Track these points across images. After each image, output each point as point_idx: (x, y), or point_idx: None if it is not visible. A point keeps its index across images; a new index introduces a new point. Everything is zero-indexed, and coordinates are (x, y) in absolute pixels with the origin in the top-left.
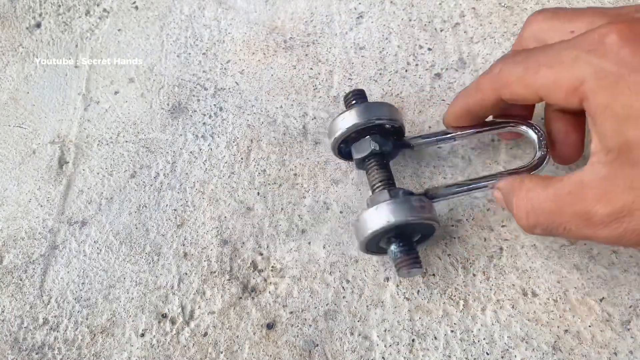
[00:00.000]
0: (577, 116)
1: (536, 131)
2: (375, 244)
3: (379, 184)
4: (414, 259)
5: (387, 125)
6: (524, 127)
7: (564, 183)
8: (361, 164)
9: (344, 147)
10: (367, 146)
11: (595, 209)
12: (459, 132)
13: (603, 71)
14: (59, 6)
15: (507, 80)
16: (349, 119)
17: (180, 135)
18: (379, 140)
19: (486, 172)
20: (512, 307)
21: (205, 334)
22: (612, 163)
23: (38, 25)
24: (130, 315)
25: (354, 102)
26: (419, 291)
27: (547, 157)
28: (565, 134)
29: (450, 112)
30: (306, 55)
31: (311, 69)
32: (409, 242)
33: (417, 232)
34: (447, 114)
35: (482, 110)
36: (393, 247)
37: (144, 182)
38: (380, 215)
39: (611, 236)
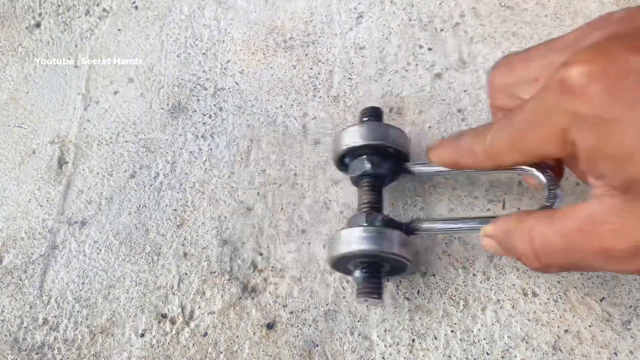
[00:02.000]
0: None
1: (547, 176)
2: (344, 265)
3: (364, 205)
4: (373, 289)
5: (390, 149)
6: (535, 173)
7: (571, 219)
8: (356, 182)
9: (348, 161)
10: (361, 166)
11: (614, 245)
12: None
13: (580, 115)
14: (59, 6)
15: (499, 151)
16: (351, 135)
17: (180, 135)
18: (375, 162)
19: (485, 213)
20: (512, 307)
21: (205, 334)
22: (621, 197)
23: (38, 25)
24: (130, 316)
25: (365, 119)
26: (419, 291)
27: (556, 201)
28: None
29: (437, 157)
30: (306, 55)
31: (311, 69)
32: (375, 271)
33: (386, 264)
34: (432, 156)
35: (477, 169)
36: (357, 273)
37: (143, 182)
38: (351, 240)
39: (634, 269)
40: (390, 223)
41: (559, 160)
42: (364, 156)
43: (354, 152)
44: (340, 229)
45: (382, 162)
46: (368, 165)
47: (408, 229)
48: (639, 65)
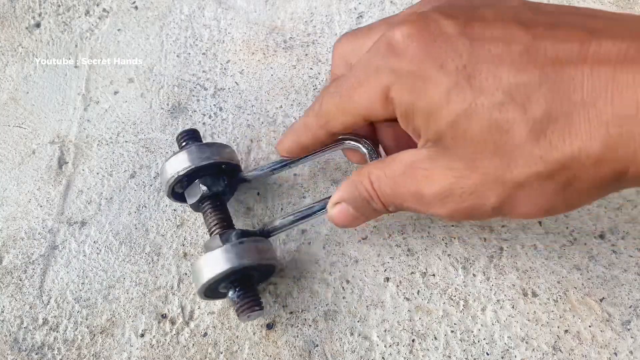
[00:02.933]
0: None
1: (365, 145)
2: (215, 291)
3: (214, 227)
4: (252, 302)
5: (220, 164)
6: (353, 143)
7: (397, 163)
8: (197, 207)
9: (181, 190)
10: (197, 190)
11: (426, 190)
12: (293, 161)
13: (401, 72)
14: (59, 6)
15: (329, 114)
16: (176, 163)
17: None
18: (209, 182)
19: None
20: (512, 307)
21: (205, 334)
22: (434, 148)
23: (38, 25)
24: (130, 316)
25: (184, 144)
26: (419, 291)
27: None
28: (394, 140)
29: (282, 147)
30: (306, 55)
31: (311, 68)
32: (247, 285)
33: (255, 273)
34: (279, 148)
35: (315, 145)
36: (230, 294)
37: (143, 182)
38: (214, 264)
39: (444, 214)
40: (246, 234)
41: (374, 132)
42: (196, 180)
43: (185, 180)
44: (198, 258)
45: (216, 180)
46: (204, 188)
47: (264, 233)
48: (450, 28)
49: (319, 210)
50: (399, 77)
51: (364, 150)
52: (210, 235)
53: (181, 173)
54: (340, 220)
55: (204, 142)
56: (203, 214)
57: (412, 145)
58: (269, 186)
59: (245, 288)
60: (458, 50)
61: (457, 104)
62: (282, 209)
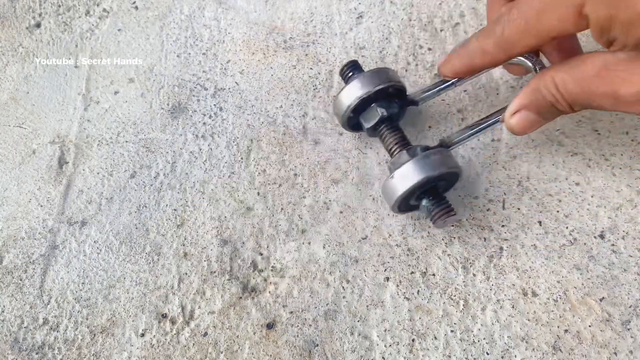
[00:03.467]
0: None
1: (529, 59)
2: (406, 204)
3: (395, 146)
4: (446, 209)
5: (389, 89)
6: (518, 58)
7: (588, 65)
8: (373, 132)
9: (353, 120)
10: (375, 114)
11: (624, 90)
12: (459, 80)
13: None
14: (59, 6)
15: (512, 39)
16: (351, 93)
17: (180, 135)
18: (385, 105)
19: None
20: (512, 307)
21: (205, 334)
22: (631, 52)
23: (38, 25)
24: (130, 315)
25: (350, 74)
26: (419, 291)
27: None
28: (557, 48)
29: (450, 69)
30: (306, 55)
31: (311, 69)
32: (437, 194)
33: (442, 182)
34: (445, 69)
35: (488, 67)
36: (424, 202)
37: (144, 182)
38: (408, 176)
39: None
40: (429, 148)
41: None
42: (372, 105)
43: (360, 107)
44: (390, 176)
45: (390, 102)
46: (381, 110)
47: (444, 145)
48: None
49: (494, 123)
50: None
51: (529, 64)
52: (392, 155)
53: (361, 98)
54: (520, 128)
55: (368, 70)
56: (380, 137)
57: (574, 51)
58: (268, 186)
59: (436, 196)
60: None
61: None
62: (282, 209)
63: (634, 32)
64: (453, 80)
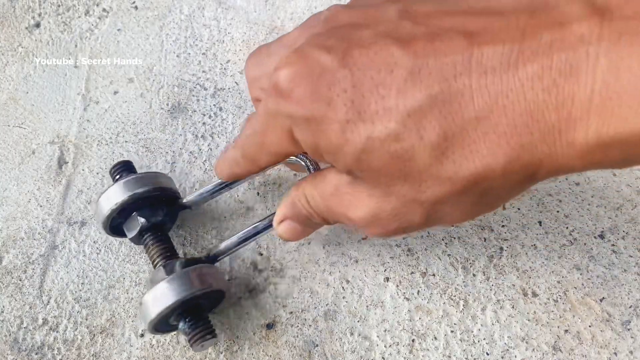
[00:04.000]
0: None
1: (304, 159)
2: (165, 325)
3: (157, 259)
4: (205, 331)
5: (157, 194)
6: (293, 158)
7: (327, 183)
8: (137, 240)
9: (119, 226)
10: (136, 223)
11: (351, 214)
12: (234, 182)
13: (295, 117)
14: (59, 6)
15: (255, 155)
16: (112, 198)
17: (180, 135)
18: (147, 214)
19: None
20: (512, 307)
21: None
22: (352, 176)
23: (37, 25)
24: (129, 316)
25: (117, 176)
26: (419, 291)
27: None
28: None
29: (221, 174)
30: None
31: None
32: (197, 314)
33: (204, 301)
34: (218, 174)
35: (250, 175)
36: (181, 325)
37: None
38: (161, 298)
39: (378, 234)
40: (191, 262)
41: None
42: (134, 213)
43: (122, 214)
44: (144, 295)
45: (155, 210)
46: (142, 220)
47: (209, 259)
48: (328, 61)
49: (264, 229)
50: (295, 121)
51: (303, 164)
52: (155, 267)
53: (116, 206)
54: (289, 236)
55: (140, 172)
56: (145, 247)
57: None
58: (268, 186)
59: (195, 317)
60: (341, 85)
61: (354, 141)
62: None
63: (339, 160)
64: (227, 184)
